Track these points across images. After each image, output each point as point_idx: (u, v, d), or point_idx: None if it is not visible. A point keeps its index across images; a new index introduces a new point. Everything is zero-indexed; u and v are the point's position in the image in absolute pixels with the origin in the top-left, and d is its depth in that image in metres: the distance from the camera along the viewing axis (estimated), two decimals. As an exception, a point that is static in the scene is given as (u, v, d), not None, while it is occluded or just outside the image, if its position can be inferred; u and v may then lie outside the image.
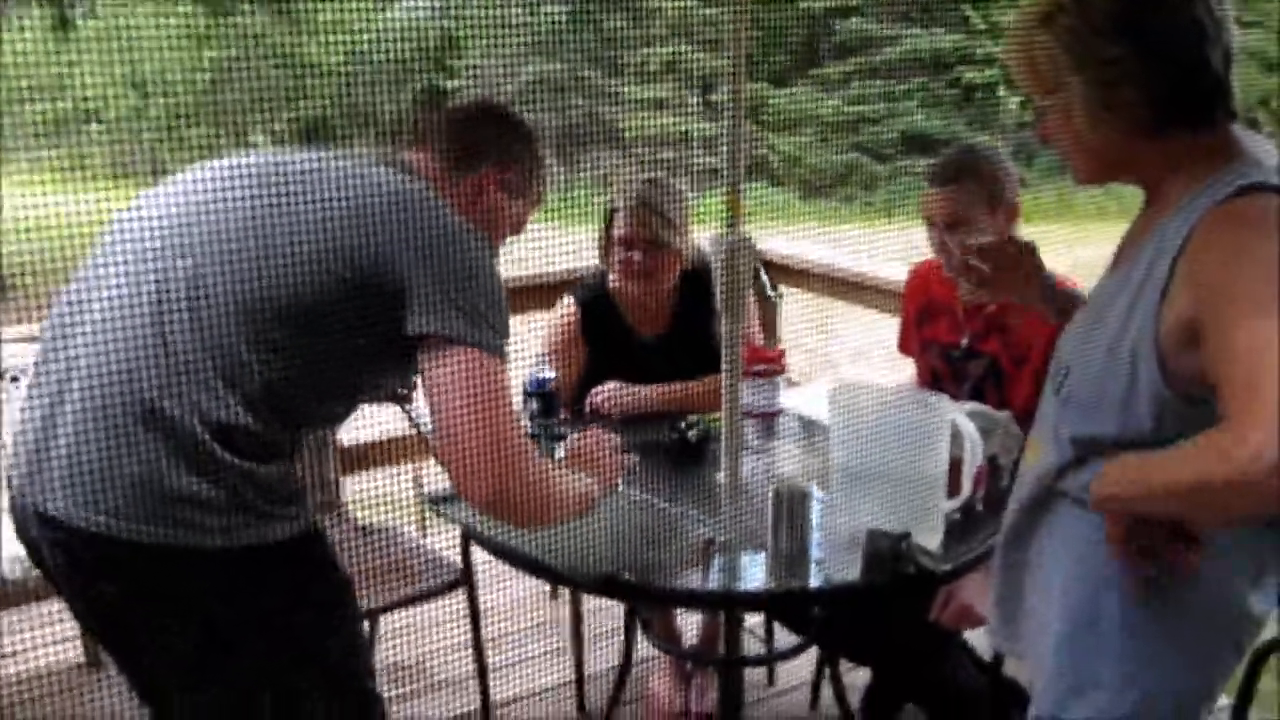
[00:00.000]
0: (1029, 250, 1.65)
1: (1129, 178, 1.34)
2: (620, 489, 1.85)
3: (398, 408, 2.25)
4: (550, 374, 2.36)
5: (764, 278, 2.18)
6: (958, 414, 1.77)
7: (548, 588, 3.14)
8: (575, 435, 1.86)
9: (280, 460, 1.47)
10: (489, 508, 1.50)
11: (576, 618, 2.69)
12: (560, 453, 1.87)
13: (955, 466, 1.77)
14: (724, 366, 1.87)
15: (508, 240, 1.73)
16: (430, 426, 1.48)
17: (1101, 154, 1.30)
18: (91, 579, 1.44)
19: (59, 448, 1.41)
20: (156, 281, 1.43)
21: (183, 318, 1.40)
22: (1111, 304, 1.28)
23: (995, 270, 1.65)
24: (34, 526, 1.44)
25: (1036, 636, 1.42)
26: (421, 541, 2.58)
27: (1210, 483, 1.09)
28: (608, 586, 1.76)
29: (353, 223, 1.44)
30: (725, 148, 1.80)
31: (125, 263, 1.46)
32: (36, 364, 1.50)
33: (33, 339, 1.55)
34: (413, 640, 2.85)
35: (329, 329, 1.43)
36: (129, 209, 1.52)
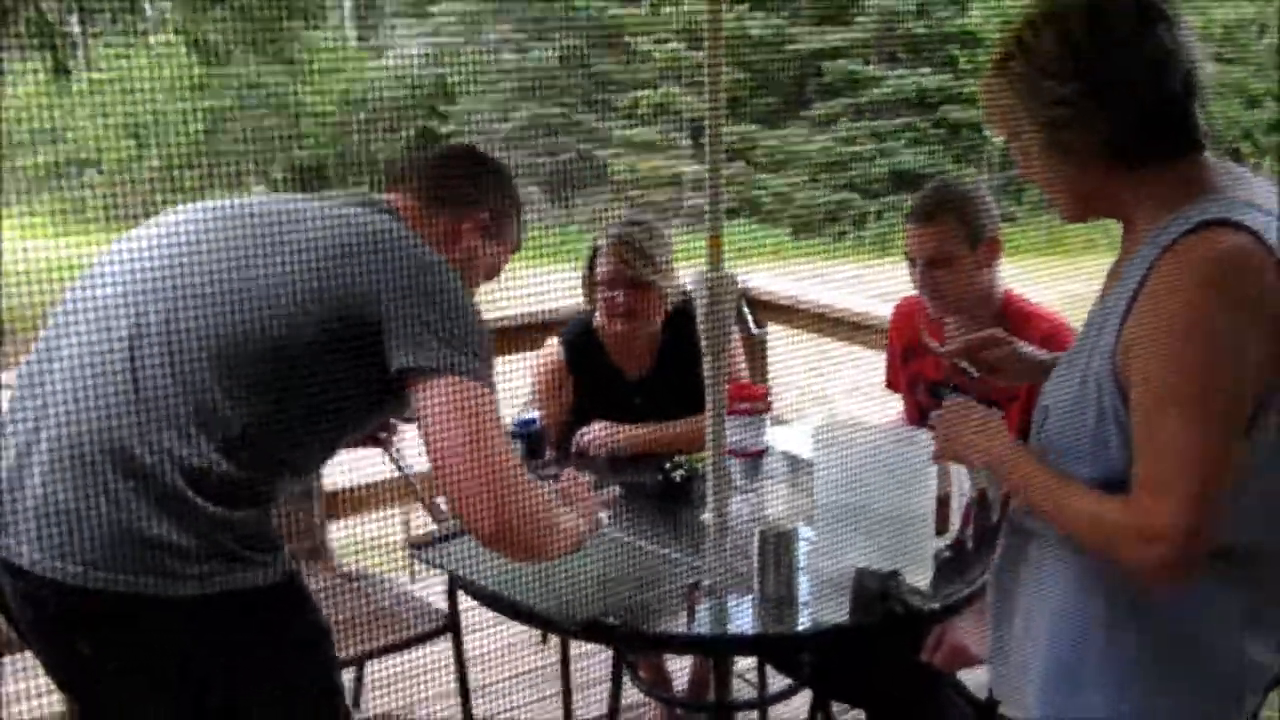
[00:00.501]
0: (1005, 344, 1.67)
1: (1107, 214, 1.33)
2: (604, 525, 1.82)
3: (380, 450, 2.22)
4: (535, 415, 2.34)
5: (746, 314, 2.16)
6: (944, 449, 1.75)
7: (536, 634, 3.09)
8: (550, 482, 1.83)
9: (258, 505, 1.44)
10: (493, 538, 1.45)
11: (565, 664, 2.64)
12: None
13: (944, 502, 1.75)
14: (708, 405, 1.85)
15: (483, 285, 1.72)
16: (426, 460, 1.45)
17: (1071, 193, 1.30)
18: (61, 632, 1.41)
19: (29, 496, 1.38)
20: (129, 325, 1.41)
21: (156, 361, 1.38)
22: (1082, 343, 1.28)
23: (981, 369, 1.70)
24: (3, 578, 1.41)
25: (1024, 679, 1.39)
26: (408, 588, 2.54)
27: (1108, 545, 1.21)
28: (592, 631, 1.73)
29: (326, 262, 1.42)
30: (706, 184, 1.80)
31: (98, 307, 1.44)
32: (8, 411, 1.48)
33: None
34: (399, 688, 2.79)
35: (306, 370, 1.41)
36: (103, 254, 1.51)
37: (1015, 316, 2.20)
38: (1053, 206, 1.35)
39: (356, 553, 2.76)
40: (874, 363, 2.74)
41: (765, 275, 3.71)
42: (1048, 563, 1.35)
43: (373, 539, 2.98)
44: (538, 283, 1.75)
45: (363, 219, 1.50)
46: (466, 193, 1.65)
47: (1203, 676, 1.28)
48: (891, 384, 2.46)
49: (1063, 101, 1.21)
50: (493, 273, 1.72)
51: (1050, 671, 1.33)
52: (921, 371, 2.32)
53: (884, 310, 2.81)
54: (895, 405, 2.48)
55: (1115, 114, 1.21)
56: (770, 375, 3.18)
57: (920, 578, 1.68)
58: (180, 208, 1.54)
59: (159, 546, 1.34)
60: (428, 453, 1.44)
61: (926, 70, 11.52)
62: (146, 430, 1.36)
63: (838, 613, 1.65)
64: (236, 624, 1.41)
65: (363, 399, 1.49)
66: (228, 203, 1.52)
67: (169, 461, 1.36)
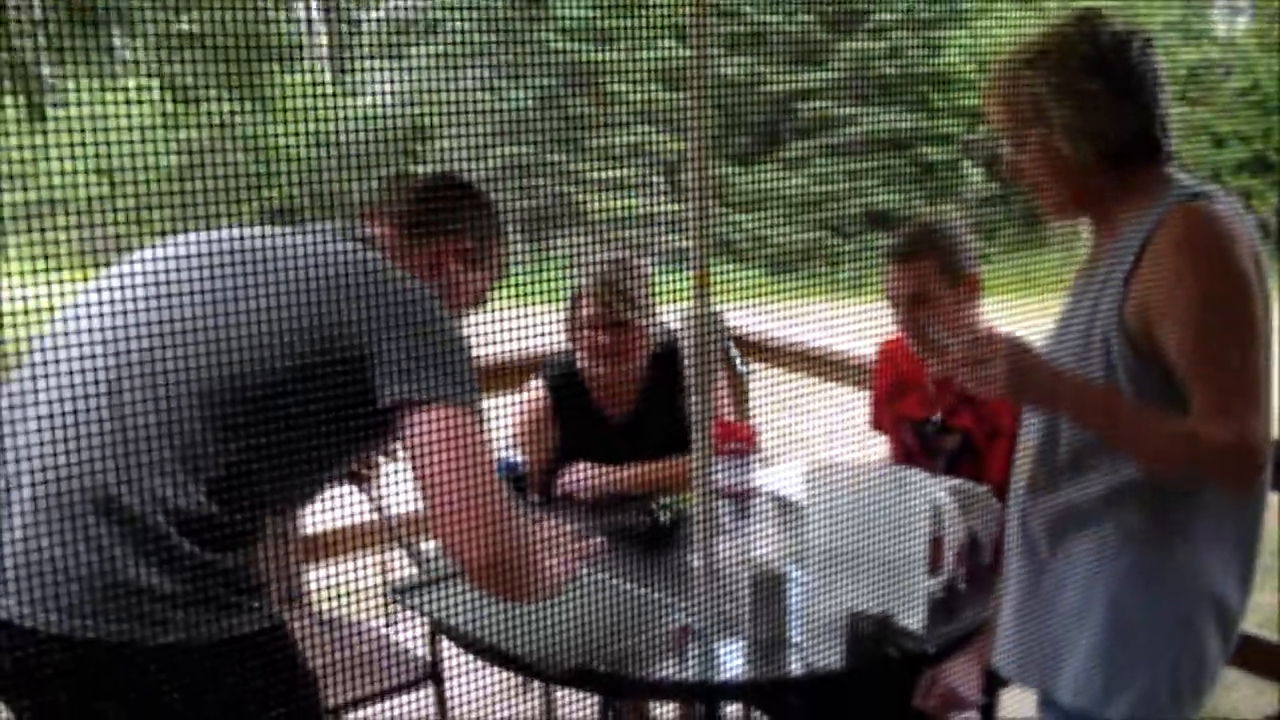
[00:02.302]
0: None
1: (1089, 208, 1.52)
2: (582, 575, 1.78)
3: (359, 490, 2.18)
4: (519, 458, 2.31)
5: (734, 352, 2.16)
6: (937, 490, 1.74)
7: (518, 679, 3.03)
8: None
9: (243, 549, 1.41)
10: (483, 570, 1.42)
11: (549, 712, 2.59)
12: None
13: (936, 544, 1.73)
14: (695, 445, 1.83)
15: (467, 312, 1.70)
16: (414, 496, 1.43)
17: (1075, 181, 1.47)
18: (44, 684, 1.35)
19: (10, 543, 1.34)
20: (110, 365, 1.37)
21: (140, 402, 1.35)
22: (1076, 312, 1.48)
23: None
24: None
25: (1057, 653, 1.52)
26: (387, 635, 2.49)
27: (1207, 461, 1.37)
28: (580, 678, 1.69)
29: (310, 297, 1.41)
30: (692, 222, 1.79)
31: (77, 345, 1.39)
32: None
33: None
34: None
35: (292, 406, 1.39)
36: (80, 293, 1.48)
37: (998, 355, 2.20)
38: (1041, 203, 1.52)
39: (333, 598, 2.70)
40: (854, 401, 2.73)
41: (742, 314, 3.70)
42: (1072, 541, 1.50)
43: (350, 584, 2.93)
44: (513, 323, 1.74)
45: (344, 253, 1.48)
46: (447, 220, 1.64)
47: (1198, 619, 1.48)
48: (876, 424, 2.45)
49: (1091, 93, 1.41)
50: (477, 300, 1.70)
51: (1097, 638, 1.48)
52: (907, 412, 2.32)
53: (863, 349, 2.81)
54: (875, 445, 2.47)
55: (1130, 110, 1.43)
56: (752, 414, 3.16)
57: (914, 620, 1.66)
58: (159, 244, 1.51)
59: (145, 593, 1.31)
60: (417, 482, 1.42)
61: (899, 110, 11.67)
62: (130, 474, 1.33)
63: (829, 656, 1.63)
64: (223, 672, 1.37)
65: (349, 434, 1.46)
66: (206, 236, 1.50)
67: (154, 505, 1.33)
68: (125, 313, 1.41)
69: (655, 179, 11.82)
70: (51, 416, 1.34)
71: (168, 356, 1.37)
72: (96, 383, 1.36)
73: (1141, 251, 1.39)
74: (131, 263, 1.50)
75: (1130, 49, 1.43)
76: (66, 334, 1.42)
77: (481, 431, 1.44)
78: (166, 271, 1.45)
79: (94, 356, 1.38)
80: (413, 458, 1.41)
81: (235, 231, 1.50)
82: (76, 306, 1.46)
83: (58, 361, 1.40)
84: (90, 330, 1.40)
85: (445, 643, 2.35)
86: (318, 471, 1.51)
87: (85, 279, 1.52)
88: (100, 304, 1.43)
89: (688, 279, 1.85)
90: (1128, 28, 1.45)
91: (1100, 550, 1.48)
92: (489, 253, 1.68)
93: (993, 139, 1.54)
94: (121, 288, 1.45)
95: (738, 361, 2.19)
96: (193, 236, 1.51)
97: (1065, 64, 1.42)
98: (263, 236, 1.49)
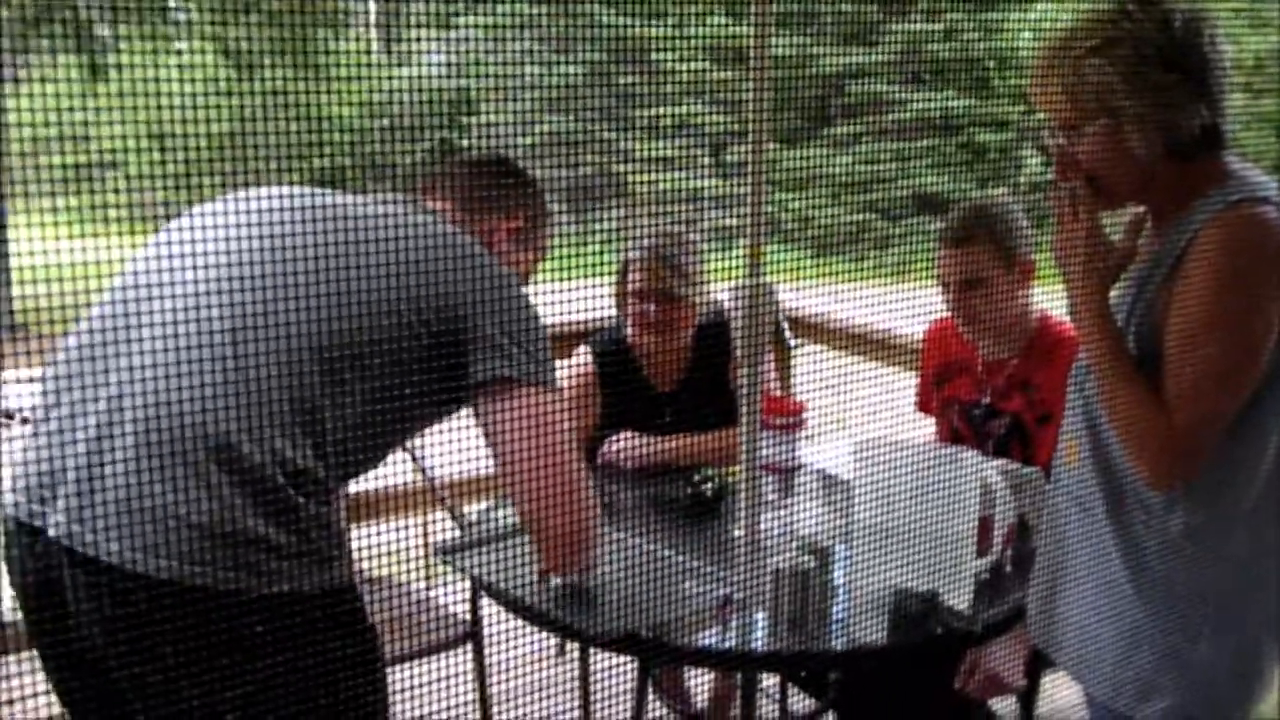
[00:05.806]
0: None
1: (1147, 201, 1.46)
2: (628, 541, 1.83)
3: (406, 455, 2.20)
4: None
5: (784, 324, 2.15)
6: (988, 470, 1.72)
7: (555, 643, 3.05)
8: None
9: (333, 504, 1.43)
10: (560, 547, 1.52)
11: (585, 677, 2.61)
12: None
13: (984, 524, 1.72)
14: (743, 418, 1.83)
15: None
16: (497, 466, 1.51)
17: (1137, 174, 1.41)
18: (140, 629, 1.33)
19: (111, 487, 1.32)
20: (228, 313, 1.38)
21: (260, 354, 1.36)
22: (1121, 299, 1.44)
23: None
24: (65, 570, 1.34)
25: (1089, 640, 1.49)
26: (428, 595, 2.52)
27: (1140, 435, 1.36)
28: (619, 641, 1.70)
29: (418, 269, 1.45)
30: (748, 194, 1.78)
31: (184, 293, 1.40)
32: (55, 398, 1.42)
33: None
34: (416, 698, 2.76)
35: (391, 373, 1.43)
36: (169, 232, 1.50)
37: (1048, 340, 2.17)
38: (1100, 191, 1.45)
39: (374, 558, 2.74)
40: (899, 382, 2.71)
41: (788, 293, 3.69)
42: (1126, 528, 1.47)
43: (391, 545, 2.96)
44: (554, 295, 1.77)
45: (444, 229, 1.53)
46: (501, 199, 1.69)
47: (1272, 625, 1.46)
48: (923, 406, 2.43)
49: (1165, 87, 1.36)
50: (523, 279, 1.75)
51: (1142, 634, 1.45)
52: (956, 395, 2.30)
53: (908, 329, 2.79)
54: (920, 425, 2.45)
55: (1208, 106, 1.38)
56: (796, 391, 3.15)
57: (959, 600, 1.66)
58: (259, 191, 1.52)
59: (257, 543, 1.33)
60: (500, 459, 1.48)
61: (951, 93, 11.51)
62: (252, 424, 1.35)
63: (871, 633, 1.62)
64: (320, 623, 1.39)
65: (435, 402, 1.50)
66: (308, 193, 1.51)
67: (273, 458, 1.34)
68: (235, 260, 1.41)
69: (702, 157, 11.76)
70: (162, 359, 1.33)
71: (288, 312, 1.37)
72: (215, 330, 1.37)
73: (1182, 256, 1.37)
74: (231, 207, 1.50)
75: (1202, 38, 1.37)
76: (166, 275, 1.43)
77: (566, 415, 1.51)
78: (277, 223, 1.46)
79: (209, 302, 1.39)
80: (496, 434, 1.47)
81: (336, 195, 1.52)
82: (170, 244, 1.47)
83: (160, 304, 1.41)
84: (197, 274, 1.41)
85: (485, 605, 2.38)
86: (401, 435, 1.55)
87: (144, 235, 1.53)
88: (202, 245, 1.45)
89: (734, 256, 1.84)
90: (1196, 14, 1.39)
91: (1138, 542, 1.45)
92: (536, 233, 1.74)
93: (1043, 126, 1.50)
94: (228, 233, 1.45)
95: (788, 335, 2.19)
96: (294, 191, 1.51)
97: (1139, 54, 1.36)
98: (366, 204, 1.52)
